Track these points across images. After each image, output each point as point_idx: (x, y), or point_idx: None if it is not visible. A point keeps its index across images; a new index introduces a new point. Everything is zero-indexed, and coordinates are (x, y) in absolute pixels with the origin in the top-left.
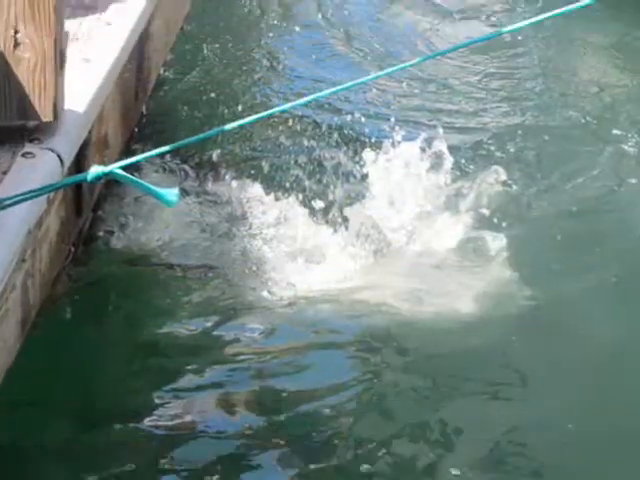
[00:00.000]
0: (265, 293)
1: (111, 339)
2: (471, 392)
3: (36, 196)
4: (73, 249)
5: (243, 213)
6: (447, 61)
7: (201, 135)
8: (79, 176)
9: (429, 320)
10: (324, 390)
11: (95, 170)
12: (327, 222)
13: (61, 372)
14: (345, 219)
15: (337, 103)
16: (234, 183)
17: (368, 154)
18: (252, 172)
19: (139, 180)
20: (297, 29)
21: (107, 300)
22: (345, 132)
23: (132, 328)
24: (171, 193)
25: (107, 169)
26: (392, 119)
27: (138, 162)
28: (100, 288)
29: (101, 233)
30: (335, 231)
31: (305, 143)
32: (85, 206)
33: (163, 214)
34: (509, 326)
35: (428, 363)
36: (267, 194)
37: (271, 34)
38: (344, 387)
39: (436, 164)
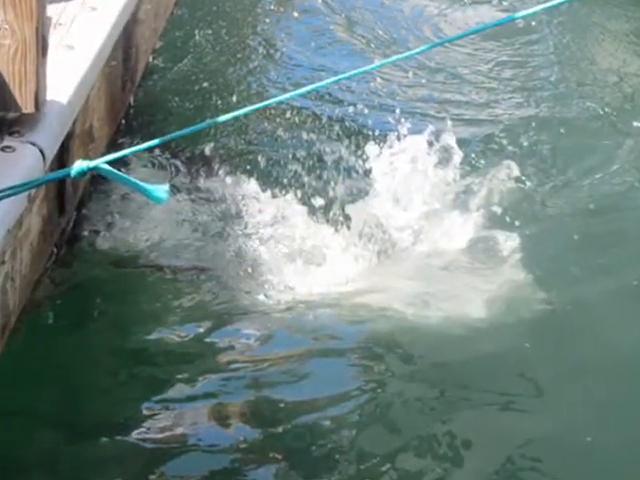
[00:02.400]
0: (261, 296)
1: (97, 345)
2: (481, 402)
3: (16, 193)
4: (56, 250)
5: (238, 211)
6: (456, 49)
7: (193, 127)
8: (62, 171)
9: (437, 325)
10: (324, 400)
11: (79, 165)
12: (328, 221)
13: (44, 380)
14: (347, 217)
15: (338, 93)
16: (228, 179)
17: (372, 148)
18: (247, 167)
19: (126, 176)
20: (295, 14)
21: (92, 304)
22: (347, 124)
23: (119, 334)
24: (160, 189)
25: (92, 164)
26: (397, 110)
27: (125, 156)
28: (85, 291)
29: (86, 233)
30: (336, 230)
31: (304, 136)
32: (69, 204)
33: (152, 212)
34: (522, 332)
35: (435, 371)
36: (263, 191)
37: (268, 20)
38: (346, 397)
39: (444, 159)
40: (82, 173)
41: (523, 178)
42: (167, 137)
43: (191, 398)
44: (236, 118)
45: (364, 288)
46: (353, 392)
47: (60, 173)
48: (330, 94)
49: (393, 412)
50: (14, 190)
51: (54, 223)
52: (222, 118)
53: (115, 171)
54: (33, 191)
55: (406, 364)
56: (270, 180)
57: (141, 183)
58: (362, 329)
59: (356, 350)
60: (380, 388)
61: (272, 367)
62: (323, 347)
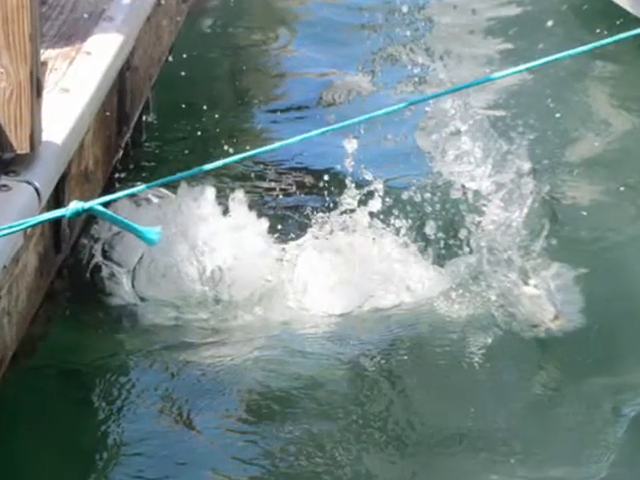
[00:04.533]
0: (258, 308)
1: (92, 358)
2: (490, 410)
3: (12, 232)
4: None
5: (229, 222)
6: None
7: (181, 174)
8: (57, 212)
9: (446, 331)
10: (326, 410)
11: (74, 206)
12: (328, 219)
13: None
14: (348, 213)
15: None
16: (216, 194)
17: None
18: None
19: (120, 217)
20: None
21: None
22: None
23: (111, 344)
24: (152, 232)
25: (87, 205)
26: None
27: (119, 199)
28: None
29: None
30: (337, 230)
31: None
32: (64, 242)
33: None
34: (540, 339)
35: (446, 380)
36: (260, 197)
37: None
38: (350, 407)
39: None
40: (77, 214)
41: (536, 174)
42: (157, 182)
43: (186, 406)
44: (226, 165)
45: (369, 290)
46: (357, 401)
47: (55, 213)
48: None
49: (400, 422)
50: (10, 229)
51: (50, 260)
52: (209, 166)
53: (109, 212)
54: (29, 229)
55: (414, 372)
56: (267, 175)
57: (134, 224)
58: (365, 334)
59: (359, 356)
60: (383, 393)
61: (270, 375)
62: (328, 353)
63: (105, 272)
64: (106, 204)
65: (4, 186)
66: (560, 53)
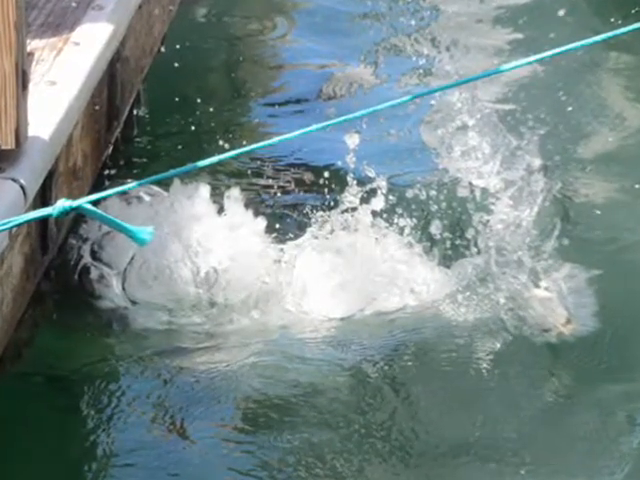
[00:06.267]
0: (255, 312)
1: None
2: (504, 420)
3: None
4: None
5: (225, 222)
6: None
7: (174, 171)
8: (44, 210)
9: (453, 336)
10: (327, 419)
11: (62, 204)
12: (329, 218)
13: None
14: (350, 212)
15: None
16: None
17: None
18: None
19: (110, 216)
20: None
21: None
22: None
23: (100, 349)
24: (144, 231)
25: (75, 203)
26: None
27: (108, 197)
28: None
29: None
30: (338, 229)
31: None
32: (52, 242)
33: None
34: (551, 344)
35: (452, 387)
36: (257, 195)
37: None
38: (351, 415)
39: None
40: (64, 212)
41: (547, 172)
42: (149, 179)
43: (186, 410)
44: (222, 161)
45: (374, 292)
46: (361, 408)
47: (42, 212)
48: None
49: (399, 426)
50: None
51: (37, 261)
52: (203, 162)
53: (98, 211)
54: (14, 229)
55: (419, 380)
56: (266, 175)
57: (124, 224)
58: (370, 339)
59: (361, 361)
60: (386, 401)
61: (270, 382)
62: (331, 358)
63: (94, 274)
64: (95, 202)
65: None
66: (572, 43)
